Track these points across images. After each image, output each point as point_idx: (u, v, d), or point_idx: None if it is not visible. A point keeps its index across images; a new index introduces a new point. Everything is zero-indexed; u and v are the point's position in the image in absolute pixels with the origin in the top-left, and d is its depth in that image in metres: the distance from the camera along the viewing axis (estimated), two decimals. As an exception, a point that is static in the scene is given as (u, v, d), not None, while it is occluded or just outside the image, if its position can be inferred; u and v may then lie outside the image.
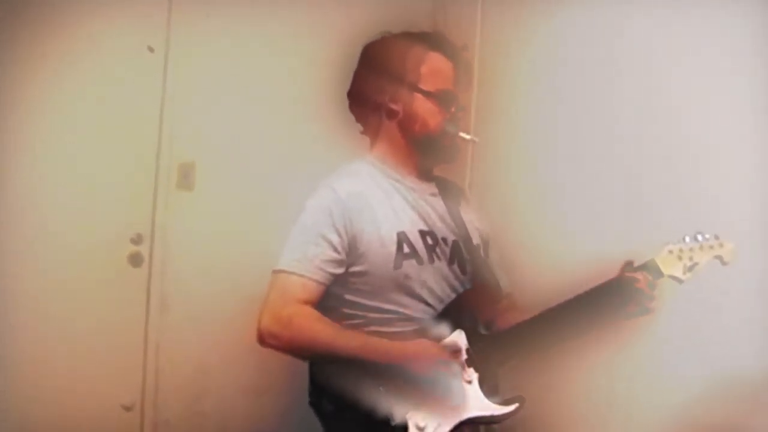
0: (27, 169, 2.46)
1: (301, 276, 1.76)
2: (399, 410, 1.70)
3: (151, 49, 2.63)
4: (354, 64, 1.97)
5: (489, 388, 1.77)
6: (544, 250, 2.45)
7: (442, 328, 1.80)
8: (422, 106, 1.87)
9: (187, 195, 2.71)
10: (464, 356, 1.76)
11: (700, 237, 1.78)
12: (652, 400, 2.14)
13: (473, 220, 2.00)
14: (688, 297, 1.93)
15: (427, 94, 1.87)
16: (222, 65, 2.73)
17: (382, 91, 1.90)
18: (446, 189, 1.98)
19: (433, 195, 1.94)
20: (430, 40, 1.92)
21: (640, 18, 2.25)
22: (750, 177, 1.97)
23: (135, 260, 2.63)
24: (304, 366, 1.87)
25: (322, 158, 2.64)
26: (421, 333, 1.78)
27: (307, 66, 2.85)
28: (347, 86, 1.98)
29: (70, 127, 2.52)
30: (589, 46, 2.41)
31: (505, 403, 1.75)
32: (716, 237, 1.78)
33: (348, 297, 1.83)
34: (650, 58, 2.22)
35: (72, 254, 2.53)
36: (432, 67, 1.88)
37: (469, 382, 1.75)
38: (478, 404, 1.73)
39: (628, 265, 1.81)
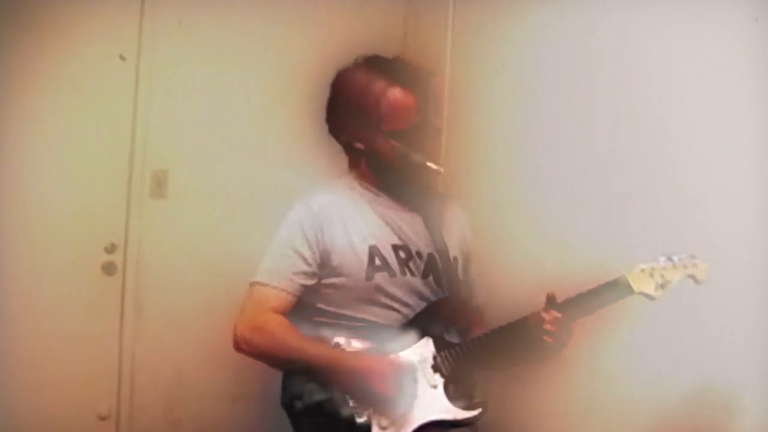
0: (-2, 178, 2.46)
1: (274, 287, 1.85)
2: (363, 410, 1.76)
3: (122, 58, 2.63)
4: (327, 77, 1.96)
5: (460, 393, 1.82)
6: (521, 256, 2.44)
7: (411, 336, 1.84)
8: (384, 146, 1.88)
9: (161, 203, 2.71)
10: (431, 362, 1.81)
11: (675, 258, 1.78)
12: (631, 405, 2.14)
13: (453, 233, 2.02)
14: (668, 305, 1.92)
15: (388, 135, 1.87)
16: (194, 73, 2.73)
17: (346, 131, 1.93)
18: (425, 201, 1.99)
19: (409, 209, 1.96)
20: (392, 72, 1.89)
21: (617, 19, 2.25)
22: (731, 182, 1.95)
23: (109, 269, 2.63)
24: (278, 373, 1.89)
25: (295, 167, 2.68)
26: (390, 341, 1.82)
27: (281, 75, 2.85)
28: (321, 102, 1.98)
29: (42, 136, 2.51)
30: (567, 46, 2.40)
31: (470, 407, 1.79)
32: (691, 256, 1.78)
33: (320, 306, 1.89)
34: (627, 61, 2.22)
35: (46, 264, 2.52)
36: (393, 105, 1.86)
37: (434, 386, 1.79)
38: (441, 408, 1.77)
39: (551, 300, 1.81)
